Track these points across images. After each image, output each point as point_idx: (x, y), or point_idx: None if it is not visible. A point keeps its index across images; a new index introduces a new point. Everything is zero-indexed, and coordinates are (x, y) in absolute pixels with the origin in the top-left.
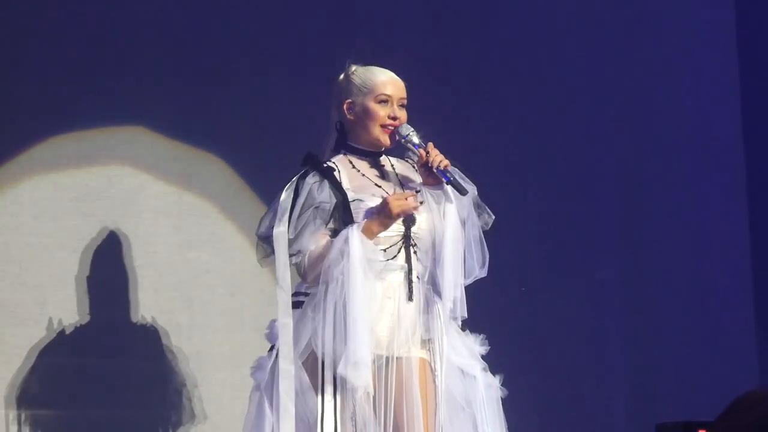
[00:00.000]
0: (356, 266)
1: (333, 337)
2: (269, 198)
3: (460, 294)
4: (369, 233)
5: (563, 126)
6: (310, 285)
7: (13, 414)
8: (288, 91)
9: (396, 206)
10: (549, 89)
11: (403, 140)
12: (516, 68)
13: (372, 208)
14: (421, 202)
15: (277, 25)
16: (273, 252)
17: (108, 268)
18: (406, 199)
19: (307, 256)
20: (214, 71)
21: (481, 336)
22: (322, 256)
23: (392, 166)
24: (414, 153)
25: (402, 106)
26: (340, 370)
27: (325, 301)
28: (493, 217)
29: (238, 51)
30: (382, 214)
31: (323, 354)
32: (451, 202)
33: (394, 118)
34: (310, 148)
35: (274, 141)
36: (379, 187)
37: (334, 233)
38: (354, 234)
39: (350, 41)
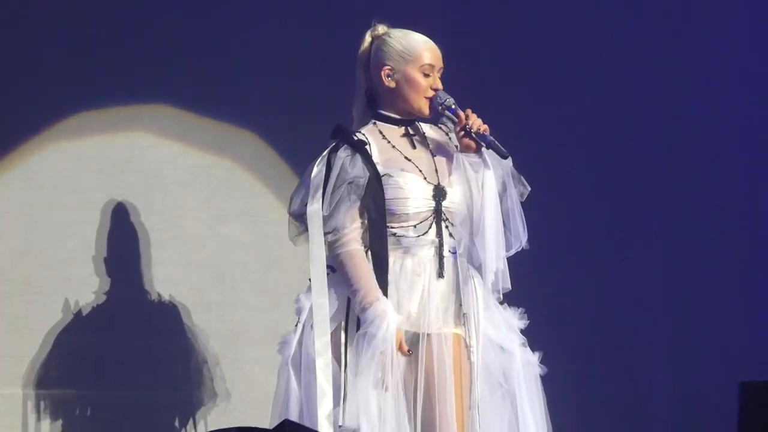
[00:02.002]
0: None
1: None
2: (299, 173)
3: (503, 265)
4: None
5: (603, 103)
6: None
7: (35, 393)
8: (320, 61)
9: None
10: (590, 61)
11: (440, 107)
12: (556, 42)
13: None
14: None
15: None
16: (306, 230)
17: (134, 243)
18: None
19: (341, 234)
20: (243, 44)
21: (520, 310)
22: (348, 277)
23: (424, 134)
24: (451, 119)
25: (440, 74)
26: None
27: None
28: (529, 188)
29: (267, 24)
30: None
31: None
32: (490, 168)
33: (436, 89)
34: (342, 120)
35: (307, 113)
36: (409, 160)
37: (366, 209)
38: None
39: (383, 12)
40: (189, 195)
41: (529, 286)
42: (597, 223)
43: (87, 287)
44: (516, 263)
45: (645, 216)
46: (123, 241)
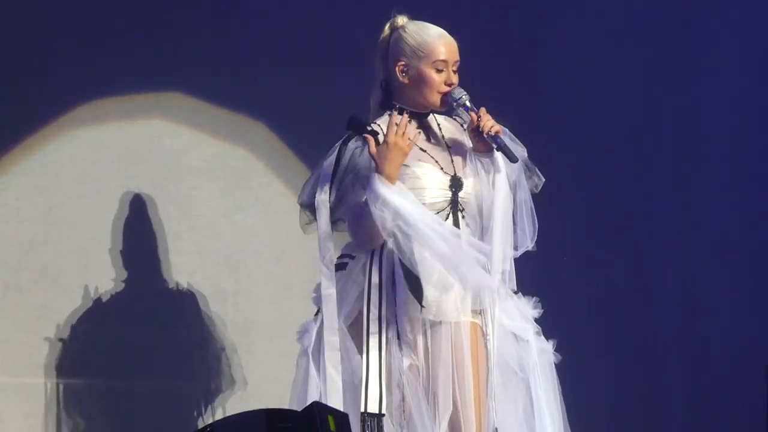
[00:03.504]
0: (405, 205)
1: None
2: (312, 162)
3: (509, 267)
4: (390, 177)
5: (610, 90)
6: (362, 248)
7: (54, 382)
8: (330, 53)
9: (401, 147)
10: (603, 57)
11: (455, 103)
12: (569, 38)
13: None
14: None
15: None
16: (315, 219)
17: (150, 232)
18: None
19: (349, 223)
20: (253, 36)
21: (534, 299)
22: (364, 221)
23: (439, 126)
24: (464, 116)
25: (456, 69)
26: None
27: (409, 258)
28: (543, 179)
29: (277, 15)
30: (386, 164)
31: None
32: (501, 171)
33: (451, 84)
34: (354, 111)
35: (316, 105)
36: (425, 151)
37: None
38: (377, 185)
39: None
40: (204, 184)
41: (541, 278)
42: (609, 215)
43: (105, 276)
44: (529, 258)
45: (659, 205)
46: (140, 230)
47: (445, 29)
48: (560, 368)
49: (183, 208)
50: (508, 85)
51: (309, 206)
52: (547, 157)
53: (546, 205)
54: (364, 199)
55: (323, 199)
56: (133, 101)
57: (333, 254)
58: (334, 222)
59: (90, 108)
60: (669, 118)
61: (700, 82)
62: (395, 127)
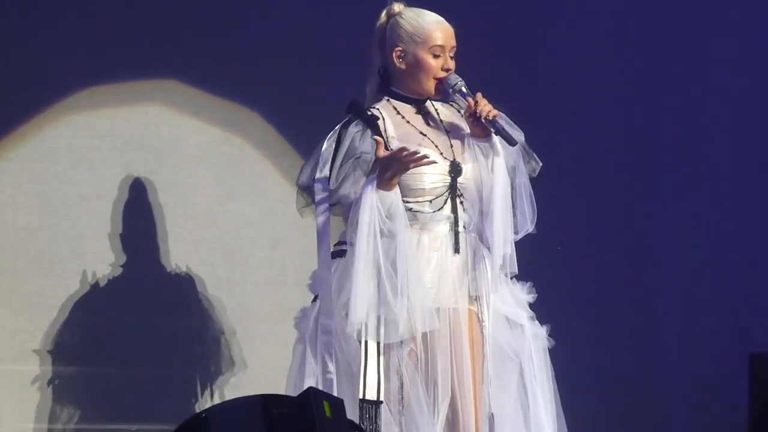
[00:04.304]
0: (362, 230)
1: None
2: (305, 151)
3: (510, 250)
4: (386, 185)
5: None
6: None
7: (50, 369)
8: (326, 41)
9: (401, 167)
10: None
11: (451, 89)
12: (573, 34)
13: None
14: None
15: None
16: (314, 202)
17: (146, 219)
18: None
19: (346, 207)
20: (251, 25)
21: (528, 284)
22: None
23: (437, 111)
24: (461, 102)
25: (452, 54)
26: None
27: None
28: (541, 163)
29: (276, 4)
30: (387, 174)
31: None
32: (499, 155)
33: (447, 70)
34: (349, 98)
35: (311, 94)
36: (425, 135)
37: None
38: (366, 191)
39: None
40: (200, 172)
41: (541, 264)
42: (610, 199)
43: (101, 262)
44: (533, 245)
45: (660, 187)
46: (136, 216)
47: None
48: (555, 355)
49: (179, 196)
50: (508, 81)
51: (307, 188)
52: (547, 148)
53: (546, 195)
54: (363, 183)
55: (323, 181)
56: (131, 88)
57: (330, 237)
58: (332, 205)
59: (87, 95)
60: (670, 115)
61: (703, 81)
62: (414, 156)
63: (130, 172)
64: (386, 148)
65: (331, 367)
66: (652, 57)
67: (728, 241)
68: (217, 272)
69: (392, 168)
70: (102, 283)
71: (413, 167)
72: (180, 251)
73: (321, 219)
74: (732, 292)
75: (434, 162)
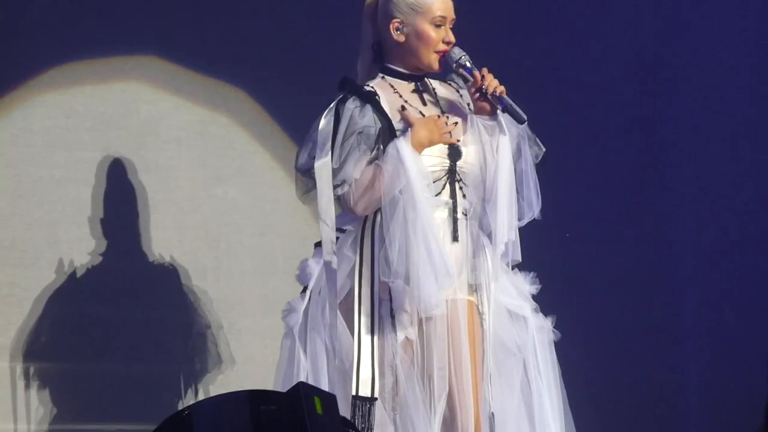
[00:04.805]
0: (419, 183)
1: (403, 261)
2: (296, 132)
3: (515, 236)
4: (419, 147)
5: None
6: (361, 215)
7: (22, 366)
8: (313, 21)
9: (437, 134)
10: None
11: (454, 64)
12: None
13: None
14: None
15: None
16: (315, 185)
17: (126, 204)
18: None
19: (353, 185)
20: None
21: (531, 274)
22: (372, 181)
23: (434, 91)
24: (465, 77)
25: (452, 26)
26: (424, 290)
27: (392, 226)
28: (544, 149)
29: None
30: (423, 135)
31: (392, 281)
32: (505, 134)
33: (449, 43)
34: (338, 78)
35: (299, 74)
36: (423, 115)
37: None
38: (405, 149)
39: None
40: (182, 154)
41: (555, 263)
42: (627, 202)
43: (78, 251)
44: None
45: (677, 196)
46: (115, 202)
47: None
48: (561, 348)
49: (160, 179)
50: (514, 64)
51: (307, 171)
52: (554, 133)
53: (552, 180)
54: (370, 158)
55: (325, 162)
56: (107, 64)
57: (334, 219)
58: (336, 186)
59: (62, 71)
60: (686, 97)
61: (713, 79)
62: (441, 121)
63: (109, 153)
64: (388, 125)
65: (322, 361)
66: (663, 50)
67: (748, 227)
68: (201, 261)
69: (430, 134)
70: (79, 274)
71: (445, 140)
72: (162, 239)
73: (324, 202)
74: (753, 282)
75: (457, 141)
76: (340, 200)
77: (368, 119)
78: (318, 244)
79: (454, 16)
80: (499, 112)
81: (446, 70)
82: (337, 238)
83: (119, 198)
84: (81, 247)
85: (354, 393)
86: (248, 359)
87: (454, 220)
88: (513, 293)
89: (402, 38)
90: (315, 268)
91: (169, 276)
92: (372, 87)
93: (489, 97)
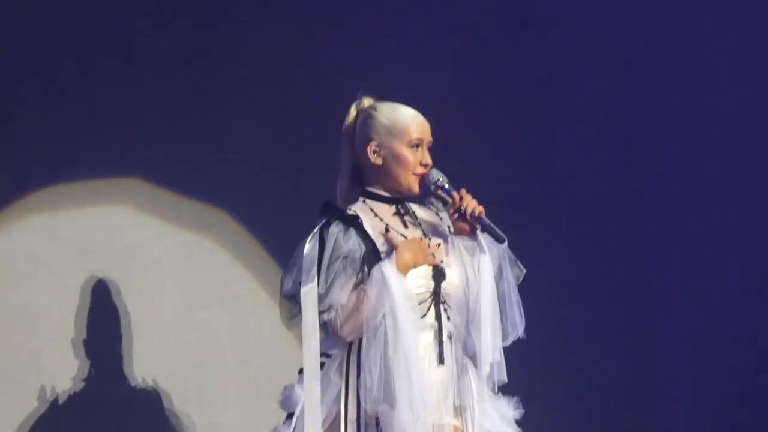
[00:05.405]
0: (403, 306)
1: (381, 387)
2: (281, 255)
3: (499, 357)
4: (404, 269)
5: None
6: (347, 340)
7: None
8: (295, 143)
9: (422, 256)
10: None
11: (432, 186)
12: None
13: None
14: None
15: (282, 75)
16: (300, 311)
17: (109, 329)
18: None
19: (340, 310)
20: (212, 123)
21: (515, 399)
22: (358, 305)
23: (414, 214)
24: (444, 199)
25: (429, 148)
26: (404, 418)
27: (371, 351)
28: (524, 270)
29: (238, 103)
30: (408, 257)
31: (371, 408)
32: (485, 253)
33: (426, 165)
34: (323, 201)
35: (284, 197)
36: (406, 237)
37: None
38: (390, 272)
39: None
40: (167, 277)
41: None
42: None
43: (60, 378)
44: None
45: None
46: (99, 327)
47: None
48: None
49: (143, 303)
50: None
51: (293, 297)
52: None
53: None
54: (355, 282)
55: (311, 287)
56: (91, 188)
57: (319, 345)
58: (321, 312)
59: (45, 194)
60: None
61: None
62: (425, 242)
63: (92, 278)
64: (372, 248)
65: None
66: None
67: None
68: (185, 386)
69: (414, 256)
70: (61, 400)
71: (429, 262)
72: (145, 364)
73: (309, 327)
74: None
75: (441, 262)
76: (326, 325)
77: (353, 243)
78: (302, 371)
79: (431, 138)
80: (478, 232)
81: (424, 194)
82: (323, 363)
83: (102, 323)
84: (64, 373)
85: None
86: None
87: (440, 343)
88: (496, 419)
89: (379, 161)
90: (300, 394)
91: (152, 401)
92: (354, 211)
93: (468, 217)
